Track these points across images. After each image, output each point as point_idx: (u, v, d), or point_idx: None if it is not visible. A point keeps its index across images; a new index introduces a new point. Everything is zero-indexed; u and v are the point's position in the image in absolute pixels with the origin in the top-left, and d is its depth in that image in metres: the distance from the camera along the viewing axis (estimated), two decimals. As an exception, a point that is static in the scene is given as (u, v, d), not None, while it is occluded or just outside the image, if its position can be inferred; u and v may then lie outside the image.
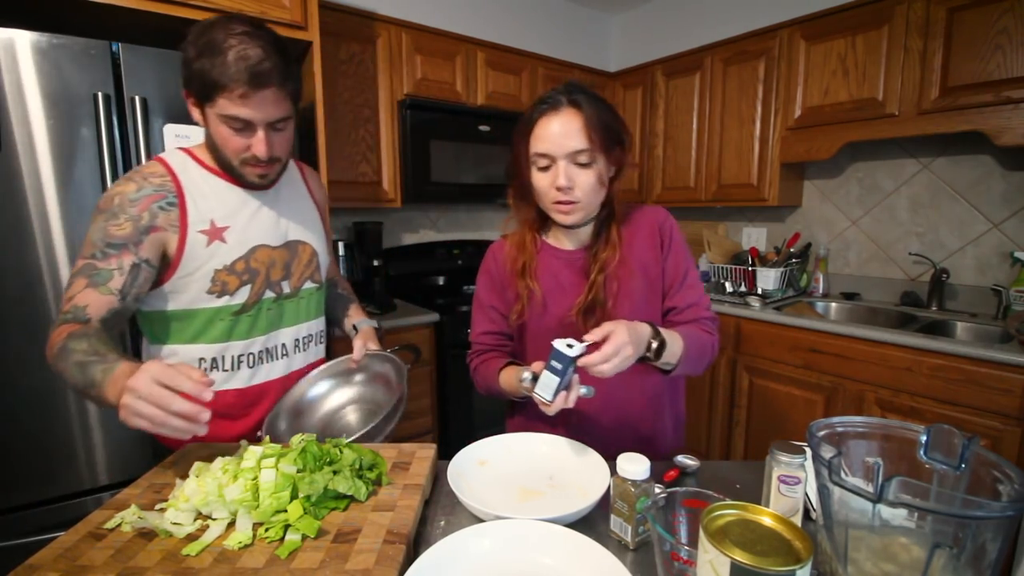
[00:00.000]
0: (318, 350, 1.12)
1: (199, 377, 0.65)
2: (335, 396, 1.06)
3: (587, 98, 0.87)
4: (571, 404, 0.77)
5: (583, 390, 0.78)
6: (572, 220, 0.92)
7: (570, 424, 0.95)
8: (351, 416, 1.04)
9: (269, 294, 0.99)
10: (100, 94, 1.23)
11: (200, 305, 0.92)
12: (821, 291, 2.45)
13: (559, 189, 0.87)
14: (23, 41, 1.17)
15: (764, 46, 2.33)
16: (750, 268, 2.50)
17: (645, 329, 0.82)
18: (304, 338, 1.07)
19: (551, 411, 0.76)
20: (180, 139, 1.36)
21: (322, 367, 1.08)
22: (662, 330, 0.84)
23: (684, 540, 0.57)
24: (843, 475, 0.51)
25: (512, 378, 0.93)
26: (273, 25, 1.55)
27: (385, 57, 2.16)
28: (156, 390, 0.63)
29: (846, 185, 2.41)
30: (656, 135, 2.86)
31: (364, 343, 1.05)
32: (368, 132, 2.15)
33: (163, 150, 1.33)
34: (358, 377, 1.08)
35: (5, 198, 1.18)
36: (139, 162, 1.29)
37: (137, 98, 1.28)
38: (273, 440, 0.82)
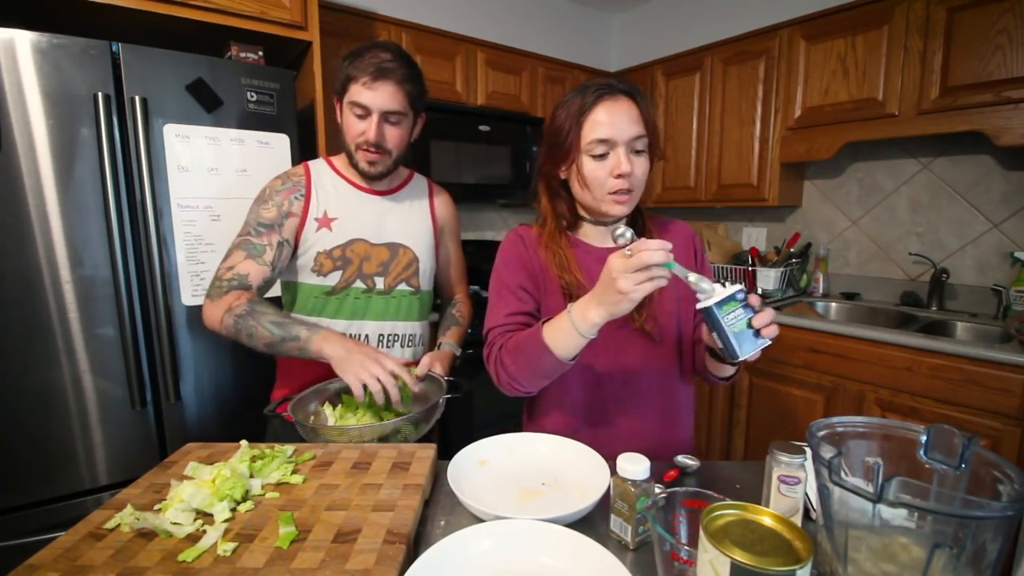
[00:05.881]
0: (405, 352, 1.17)
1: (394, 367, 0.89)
2: None
3: (638, 92, 0.88)
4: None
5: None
6: (626, 210, 0.88)
7: (587, 424, 0.94)
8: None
9: (359, 284, 1.10)
10: (100, 94, 1.23)
11: (303, 280, 1.10)
12: (821, 291, 2.45)
13: (620, 176, 0.83)
14: (23, 41, 1.17)
15: (764, 46, 2.33)
16: (750, 268, 2.50)
17: None
18: (389, 335, 1.15)
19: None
20: (180, 139, 1.36)
21: None
22: None
23: (684, 540, 0.57)
24: (843, 475, 0.51)
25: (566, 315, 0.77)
26: (273, 25, 1.59)
27: (385, 57, 2.16)
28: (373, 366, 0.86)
29: (846, 185, 2.41)
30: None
31: (432, 363, 1.06)
32: (368, 132, 2.15)
33: (163, 150, 1.34)
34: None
35: (5, 198, 1.18)
36: (139, 162, 1.29)
37: (137, 98, 1.28)
38: (296, 417, 0.89)
